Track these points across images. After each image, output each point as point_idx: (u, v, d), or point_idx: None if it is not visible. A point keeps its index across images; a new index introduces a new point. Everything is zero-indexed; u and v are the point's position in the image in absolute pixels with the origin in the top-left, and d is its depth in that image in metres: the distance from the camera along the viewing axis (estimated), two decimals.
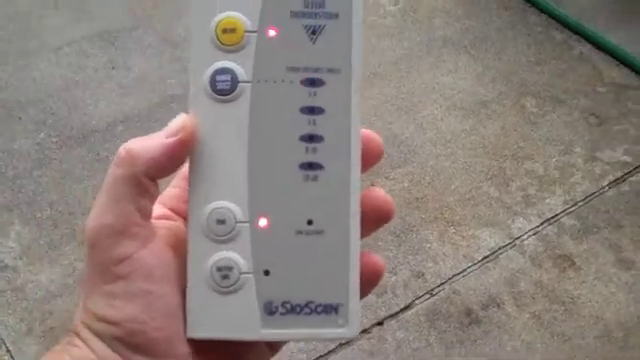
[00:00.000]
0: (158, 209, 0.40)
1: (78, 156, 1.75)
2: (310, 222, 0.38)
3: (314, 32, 0.38)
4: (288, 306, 0.37)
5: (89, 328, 0.36)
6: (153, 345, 0.36)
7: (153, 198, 0.37)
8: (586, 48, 2.13)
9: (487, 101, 1.95)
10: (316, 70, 0.38)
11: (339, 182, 0.38)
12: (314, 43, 0.38)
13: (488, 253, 1.61)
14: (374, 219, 0.39)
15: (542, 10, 2.23)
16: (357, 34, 0.38)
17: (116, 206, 0.36)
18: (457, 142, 1.84)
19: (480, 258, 1.60)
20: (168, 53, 2.03)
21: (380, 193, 0.39)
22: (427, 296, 1.52)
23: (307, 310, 0.37)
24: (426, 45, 2.10)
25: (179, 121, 0.37)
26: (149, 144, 0.36)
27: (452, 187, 1.73)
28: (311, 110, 0.37)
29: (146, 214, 0.37)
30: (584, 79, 2.04)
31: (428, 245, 1.60)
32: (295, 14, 0.37)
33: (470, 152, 1.82)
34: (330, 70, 0.38)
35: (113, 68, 1.98)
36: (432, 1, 2.25)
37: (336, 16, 0.38)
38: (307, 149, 0.37)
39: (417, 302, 1.51)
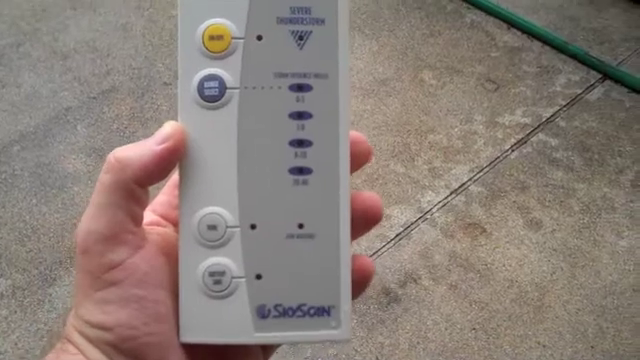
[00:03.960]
0: (149, 216, 0.40)
1: None
2: (301, 226, 0.38)
3: (301, 38, 0.38)
4: (281, 309, 0.38)
5: (81, 334, 0.36)
6: (146, 350, 0.36)
7: (143, 204, 0.37)
8: (477, 15, 2.17)
9: (386, 79, 1.96)
10: (303, 75, 0.38)
11: (329, 186, 0.38)
12: (301, 49, 0.38)
13: (401, 230, 1.62)
14: (363, 221, 0.39)
15: None
16: (343, 39, 0.38)
17: (105, 212, 0.36)
18: (360, 123, 1.84)
19: (393, 236, 1.61)
20: (59, 65, 1.98)
21: (369, 195, 0.39)
22: None
23: (300, 313, 0.38)
24: None
25: (168, 128, 0.37)
26: (138, 151, 0.36)
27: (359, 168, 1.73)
28: (299, 115, 0.38)
29: (137, 220, 0.37)
30: (478, 46, 2.07)
31: None
32: (281, 20, 0.38)
33: (374, 131, 1.83)
34: (317, 75, 0.38)
35: (2, 87, 1.92)
36: None
37: (322, 22, 0.38)
38: (296, 154, 0.38)
39: None
